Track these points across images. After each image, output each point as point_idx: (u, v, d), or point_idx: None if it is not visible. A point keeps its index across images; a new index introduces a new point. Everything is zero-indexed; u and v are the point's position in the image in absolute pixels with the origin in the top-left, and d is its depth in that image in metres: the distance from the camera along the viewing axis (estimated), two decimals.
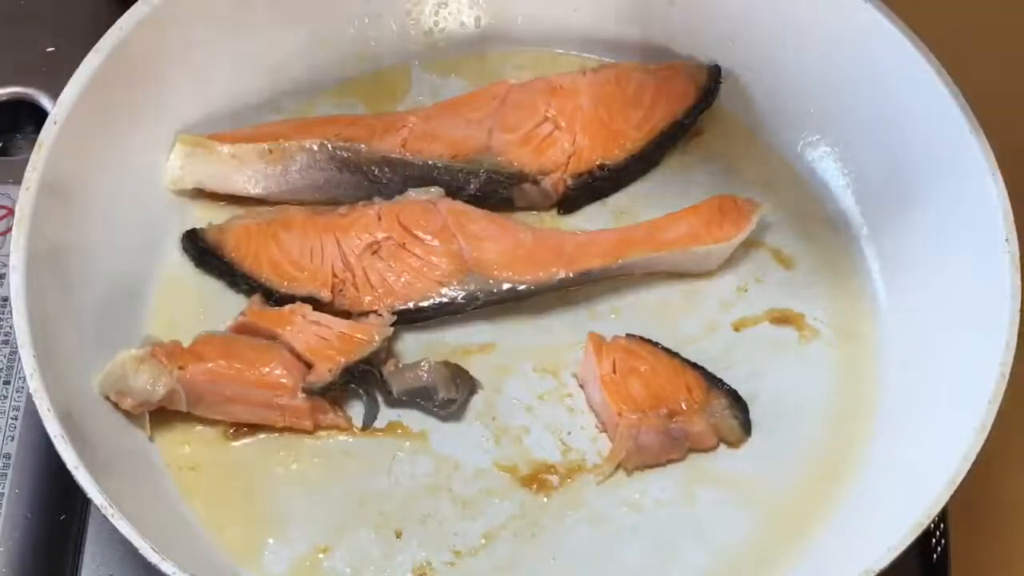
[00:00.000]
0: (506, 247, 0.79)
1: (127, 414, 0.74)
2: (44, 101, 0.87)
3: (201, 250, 0.80)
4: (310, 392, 0.74)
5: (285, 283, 0.79)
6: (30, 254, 0.71)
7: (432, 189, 0.81)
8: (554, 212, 0.84)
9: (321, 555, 0.73)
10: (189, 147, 0.81)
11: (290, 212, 0.81)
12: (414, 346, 0.79)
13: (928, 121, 0.78)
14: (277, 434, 0.76)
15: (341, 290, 0.79)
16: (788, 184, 0.86)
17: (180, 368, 0.73)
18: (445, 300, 0.78)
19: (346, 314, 0.79)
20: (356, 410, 0.77)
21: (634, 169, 0.85)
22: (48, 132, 0.74)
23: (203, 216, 0.82)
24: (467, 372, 0.77)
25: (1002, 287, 0.72)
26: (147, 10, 0.78)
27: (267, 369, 0.75)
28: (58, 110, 0.75)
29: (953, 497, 0.67)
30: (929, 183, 0.79)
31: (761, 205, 0.81)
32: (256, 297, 0.78)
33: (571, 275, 0.79)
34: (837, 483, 0.75)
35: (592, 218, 0.84)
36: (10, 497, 0.75)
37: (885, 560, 0.65)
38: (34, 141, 0.74)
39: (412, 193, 0.81)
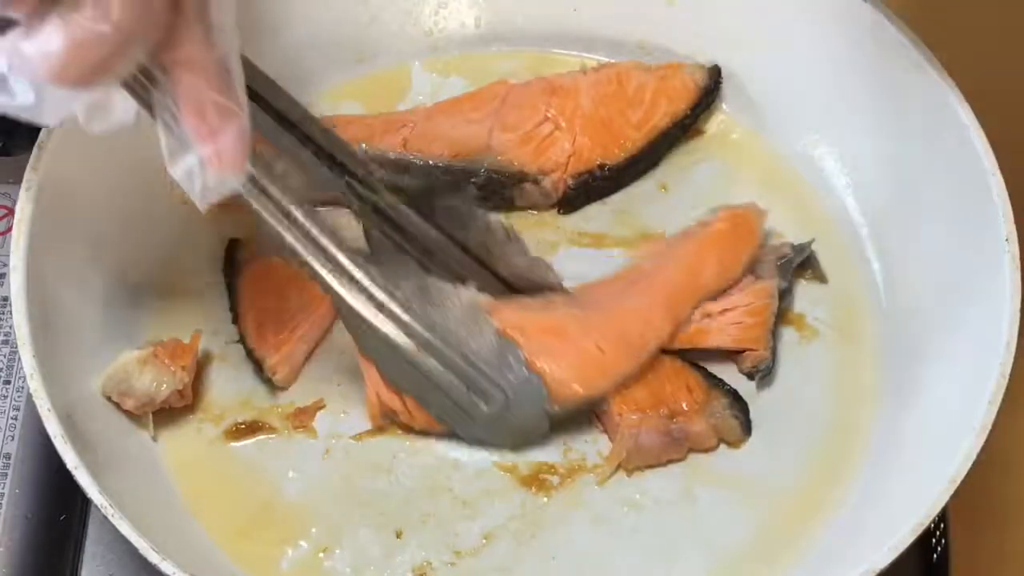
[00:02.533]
0: (573, 361, 0.75)
1: (128, 414, 0.74)
2: None
3: (228, 260, 0.80)
4: None
5: (255, 342, 0.77)
6: (30, 254, 0.71)
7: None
8: (554, 211, 0.84)
9: (321, 555, 0.73)
10: None
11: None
12: None
13: (928, 121, 0.78)
14: (277, 435, 0.76)
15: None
16: (788, 184, 0.86)
17: (182, 368, 0.74)
18: None
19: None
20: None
21: (634, 169, 0.85)
22: (48, 132, 0.74)
23: (203, 216, 0.82)
24: None
25: (1002, 287, 0.72)
26: None
27: None
28: None
29: (953, 497, 0.67)
30: (929, 183, 0.79)
31: (764, 211, 0.81)
32: None
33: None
34: (837, 483, 0.75)
35: (592, 218, 0.84)
36: (10, 497, 0.75)
37: (885, 560, 0.65)
38: (34, 141, 0.74)
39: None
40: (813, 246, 0.82)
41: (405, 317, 0.73)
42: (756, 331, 0.78)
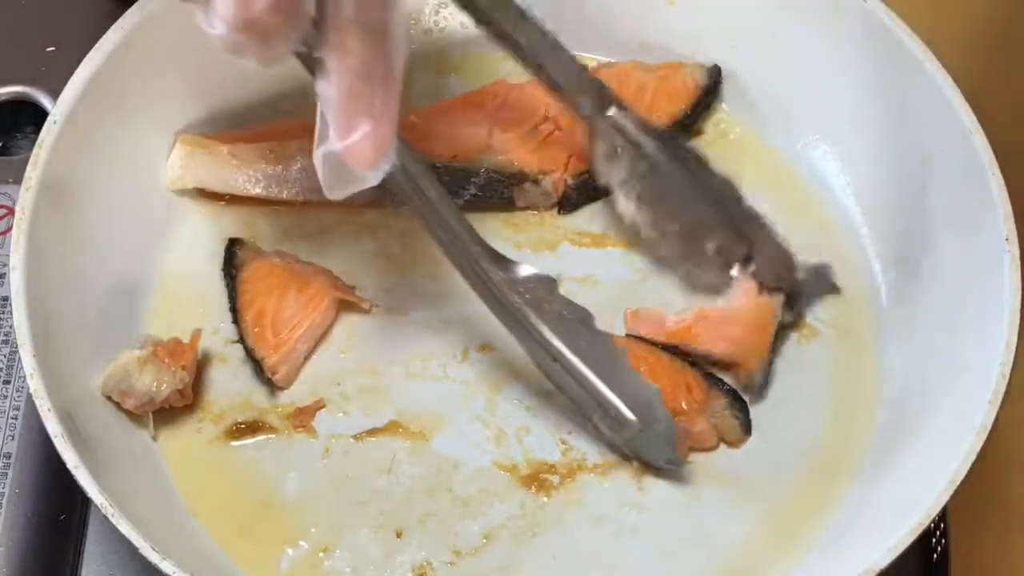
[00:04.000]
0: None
1: (128, 414, 0.74)
2: (44, 101, 0.87)
3: (228, 260, 0.80)
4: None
5: (254, 342, 0.78)
6: (30, 254, 0.71)
7: None
8: (554, 211, 0.84)
9: (321, 555, 0.73)
10: (189, 147, 0.81)
11: (319, 279, 0.79)
12: (415, 345, 0.79)
13: (928, 121, 0.78)
14: (277, 435, 0.76)
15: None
16: (788, 184, 0.86)
17: (183, 367, 0.74)
18: None
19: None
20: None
21: None
22: (48, 132, 0.74)
23: (203, 216, 0.82)
24: None
25: (1002, 287, 0.72)
26: (147, 10, 0.78)
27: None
28: (58, 110, 0.75)
29: (953, 497, 0.67)
30: (929, 183, 0.79)
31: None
32: None
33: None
34: (837, 483, 0.75)
35: (592, 218, 0.84)
36: (10, 497, 0.75)
37: (885, 560, 0.65)
38: (34, 141, 0.74)
39: None
40: (812, 246, 0.82)
41: (545, 332, 0.73)
42: (751, 347, 0.77)
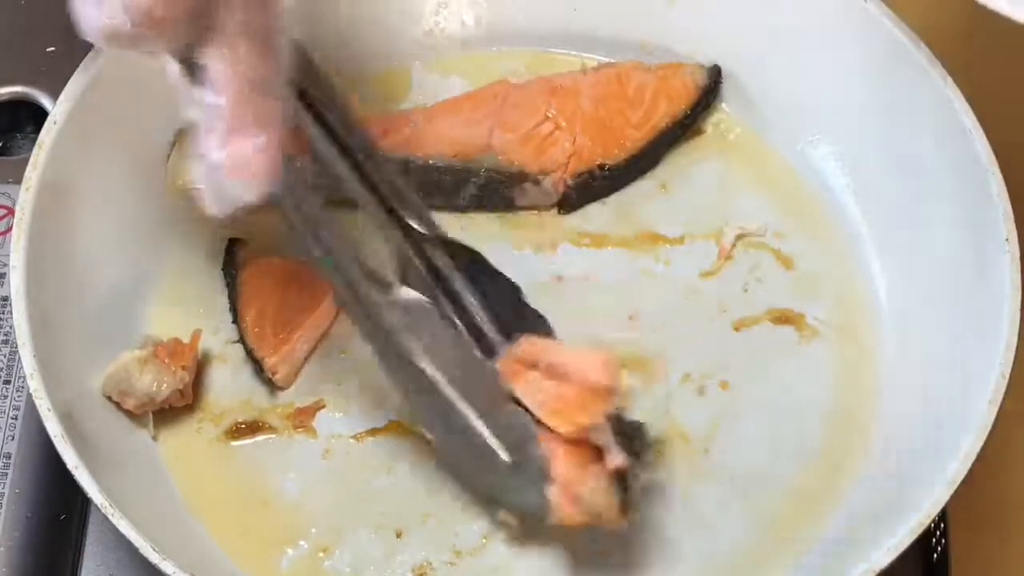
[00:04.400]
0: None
1: (128, 414, 0.74)
2: (44, 101, 0.87)
3: (228, 259, 0.80)
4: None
5: (254, 342, 0.77)
6: (30, 254, 0.71)
7: None
8: (554, 211, 0.84)
9: (321, 555, 0.73)
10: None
11: (319, 279, 0.78)
12: None
13: (928, 121, 0.78)
14: (277, 435, 0.76)
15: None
16: (788, 184, 0.86)
17: (183, 368, 0.74)
18: None
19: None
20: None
21: (634, 169, 0.85)
22: (48, 132, 0.74)
23: (203, 216, 0.82)
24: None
25: (1002, 287, 0.72)
26: None
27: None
28: (58, 110, 0.75)
29: (953, 497, 0.67)
30: (929, 183, 0.79)
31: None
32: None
33: None
34: (837, 483, 0.75)
35: (592, 218, 0.84)
36: (10, 497, 0.75)
37: (885, 560, 0.65)
38: (34, 141, 0.74)
39: None
40: (812, 246, 0.81)
41: (419, 360, 0.68)
42: (573, 415, 0.68)
